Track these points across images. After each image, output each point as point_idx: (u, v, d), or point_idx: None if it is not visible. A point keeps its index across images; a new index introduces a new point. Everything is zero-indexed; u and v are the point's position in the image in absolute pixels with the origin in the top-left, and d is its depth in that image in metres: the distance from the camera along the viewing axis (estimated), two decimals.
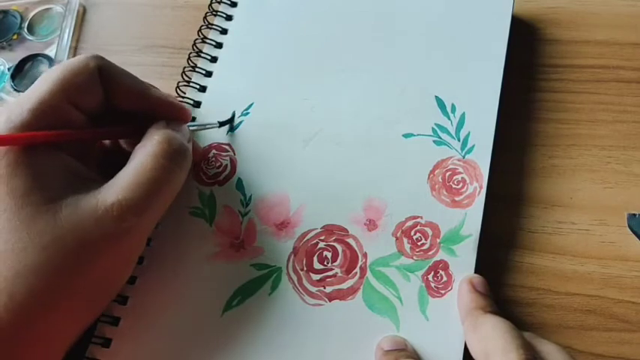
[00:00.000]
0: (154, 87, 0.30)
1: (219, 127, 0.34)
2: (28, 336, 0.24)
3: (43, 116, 0.25)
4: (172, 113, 0.29)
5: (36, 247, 0.24)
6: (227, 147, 0.34)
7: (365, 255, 0.30)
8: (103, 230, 0.25)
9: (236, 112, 0.35)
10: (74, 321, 0.26)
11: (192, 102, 0.35)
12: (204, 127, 0.33)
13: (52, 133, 0.25)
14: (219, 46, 0.37)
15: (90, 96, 0.27)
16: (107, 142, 0.31)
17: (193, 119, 0.35)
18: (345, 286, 0.30)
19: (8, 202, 0.24)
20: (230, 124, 0.34)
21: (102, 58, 0.28)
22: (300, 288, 0.30)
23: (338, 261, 0.30)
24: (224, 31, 0.38)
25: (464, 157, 0.32)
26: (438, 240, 0.30)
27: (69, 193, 0.25)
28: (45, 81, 0.26)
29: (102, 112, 0.28)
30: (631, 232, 0.30)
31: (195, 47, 0.37)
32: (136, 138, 0.28)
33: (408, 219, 0.31)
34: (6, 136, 0.24)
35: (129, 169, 0.26)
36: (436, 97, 0.33)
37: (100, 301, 0.27)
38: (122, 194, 0.25)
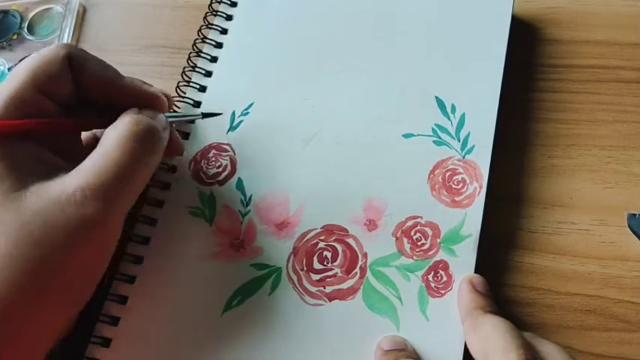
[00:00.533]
0: (130, 77, 0.29)
1: (203, 118, 0.33)
2: (6, 329, 0.23)
3: (15, 108, 0.25)
4: (146, 102, 0.28)
5: (6, 236, 0.23)
6: (227, 147, 0.34)
7: (365, 255, 0.30)
8: (67, 218, 0.24)
9: (236, 112, 0.35)
10: (53, 313, 0.25)
11: (192, 102, 0.35)
12: (185, 117, 0.32)
13: (20, 122, 0.25)
14: (219, 46, 0.37)
15: (60, 84, 0.27)
16: (88, 137, 0.30)
17: (192, 121, 0.35)
18: (345, 286, 0.30)
19: None
20: (215, 116, 0.34)
21: (73, 47, 0.27)
22: (300, 288, 0.30)
23: (338, 261, 0.30)
24: (224, 31, 0.38)
25: (464, 157, 0.32)
26: (438, 240, 0.30)
27: (37, 181, 0.24)
28: (16, 73, 0.26)
29: (75, 101, 0.28)
30: (631, 232, 0.30)
31: (195, 47, 0.37)
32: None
33: (408, 219, 0.31)
34: None
35: (94, 154, 0.25)
36: (436, 97, 0.33)
37: (78, 291, 0.26)
38: (85, 179, 0.24)
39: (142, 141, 0.26)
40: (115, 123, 0.27)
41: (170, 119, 0.30)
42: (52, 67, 0.26)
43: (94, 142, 0.29)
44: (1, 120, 0.25)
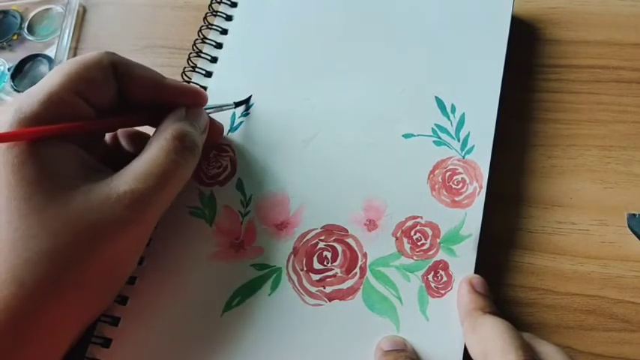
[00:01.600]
0: (166, 77, 0.30)
1: (235, 107, 0.34)
2: (37, 325, 0.24)
3: (53, 108, 0.26)
4: (189, 100, 0.30)
5: (46, 234, 0.24)
6: (227, 147, 0.34)
7: (365, 255, 0.30)
8: (114, 217, 0.25)
9: (236, 113, 0.35)
10: (81, 311, 0.26)
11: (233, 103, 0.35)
12: (220, 108, 0.33)
13: (58, 127, 0.26)
14: (219, 46, 0.37)
15: (103, 91, 0.28)
16: (107, 140, 0.31)
17: None
18: (345, 286, 0.30)
19: (19, 190, 0.24)
20: (246, 104, 0.35)
21: (115, 54, 0.28)
22: (300, 288, 0.30)
23: (338, 261, 0.30)
24: (224, 32, 0.38)
25: (464, 157, 0.32)
26: (438, 240, 0.30)
27: (80, 181, 0.25)
28: (57, 74, 0.26)
29: (113, 107, 0.29)
30: (631, 232, 0.30)
31: (195, 47, 0.37)
32: (152, 125, 0.29)
33: (408, 219, 0.31)
34: (14, 132, 0.24)
35: (142, 160, 0.26)
36: (436, 97, 0.33)
37: (106, 292, 0.28)
38: (134, 184, 0.25)
39: (185, 154, 0.27)
40: (159, 134, 0.28)
41: (209, 111, 0.31)
42: (96, 74, 0.27)
43: (115, 140, 0.31)
44: (39, 119, 0.25)
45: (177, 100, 0.29)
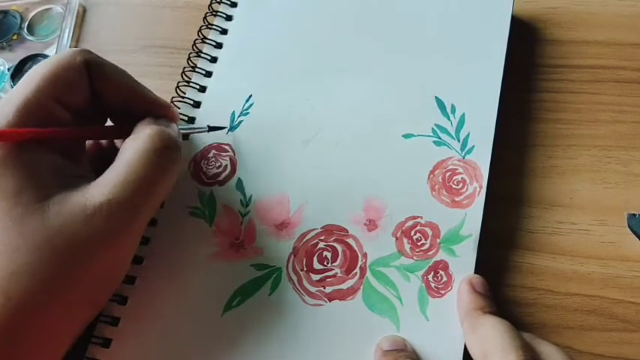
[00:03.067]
0: (142, 85, 0.29)
1: (209, 131, 0.33)
2: (26, 336, 0.24)
3: (29, 115, 0.25)
4: (161, 111, 0.29)
5: (28, 247, 0.23)
6: (227, 147, 0.34)
7: (365, 255, 0.30)
8: (93, 230, 0.24)
9: (236, 112, 0.35)
10: (72, 320, 0.26)
11: (192, 102, 0.35)
12: (192, 130, 0.33)
13: (38, 131, 0.25)
14: (219, 46, 0.37)
15: (77, 92, 0.27)
16: (104, 142, 0.31)
17: (192, 120, 0.35)
18: (345, 286, 0.30)
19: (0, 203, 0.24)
20: (220, 129, 0.34)
21: (89, 52, 0.27)
22: (300, 288, 0.30)
23: (338, 261, 0.30)
24: (224, 32, 0.38)
25: (464, 157, 0.32)
26: (438, 240, 0.30)
27: (58, 192, 0.24)
28: (31, 78, 0.26)
29: (88, 108, 0.28)
30: (631, 232, 0.30)
31: (195, 47, 0.37)
32: (124, 137, 0.28)
33: (408, 219, 0.31)
34: None
35: (118, 166, 0.25)
36: (436, 97, 0.33)
37: (96, 300, 0.27)
38: (112, 193, 0.24)
39: (165, 154, 0.26)
40: (135, 135, 0.27)
41: (181, 130, 0.30)
42: (70, 75, 0.26)
43: (95, 145, 0.30)
44: (15, 126, 0.24)
45: (149, 109, 0.28)
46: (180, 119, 0.33)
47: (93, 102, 0.28)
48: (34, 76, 0.26)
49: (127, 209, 0.25)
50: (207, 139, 0.34)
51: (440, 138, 0.32)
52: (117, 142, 0.31)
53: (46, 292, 0.24)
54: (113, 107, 0.28)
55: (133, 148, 0.26)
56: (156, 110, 0.29)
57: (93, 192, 0.25)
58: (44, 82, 0.25)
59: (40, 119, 0.25)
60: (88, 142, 0.30)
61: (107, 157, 0.28)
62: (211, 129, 0.33)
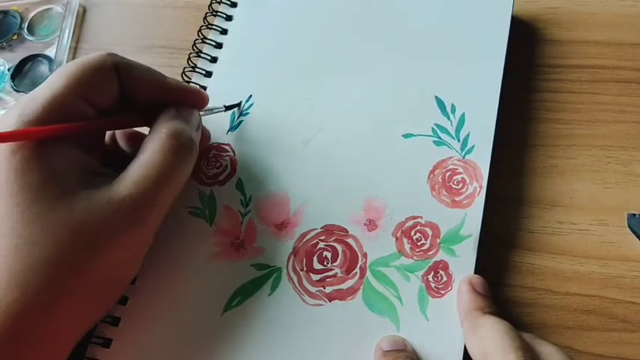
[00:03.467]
0: (167, 77, 0.30)
1: (225, 110, 0.34)
2: (39, 330, 0.24)
3: (57, 112, 0.25)
4: (191, 100, 0.30)
5: (49, 241, 0.24)
6: (227, 147, 0.34)
7: (365, 255, 0.30)
8: (116, 222, 0.25)
9: (236, 112, 0.35)
10: (83, 315, 0.26)
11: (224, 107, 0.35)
12: (211, 111, 0.33)
13: (64, 126, 0.25)
14: (219, 46, 0.37)
15: (106, 94, 0.28)
16: (107, 141, 0.31)
17: None
18: (345, 286, 0.30)
19: (22, 196, 0.24)
20: (238, 107, 0.34)
21: (117, 56, 0.28)
22: (300, 288, 0.30)
23: (338, 261, 0.30)
24: (224, 32, 0.38)
25: (464, 157, 0.32)
26: (438, 240, 0.30)
27: (82, 187, 0.25)
28: (60, 76, 0.26)
29: (115, 108, 0.28)
30: (631, 232, 0.30)
31: (195, 47, 0.37)
32: (147, 125, 0.29)
33: (408, 219, 0.31)
34: (19, 131, 0.24)
35: (139, 163, 0.26)
36: (436, 97, 0.33)
37: (108, 297, 0.28)
38: (134, 188, 0.25)
39: (180, 154, 0.27)
40: (155, 132, 0.27)
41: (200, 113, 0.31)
42: (100, 77, 0.27)
43: (113, 141, 0.31)
44: (43, 123, 0.25)
45: (179, 101, 0.29)
46: None
47: (120, 103, 0.28)
48: (63, 74, 0.26)
49: (149, 204, 0.26)
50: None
51: (440, 138, 0.32)
52: (119, 139, 0.31)
53: (62, 286, 0.24)
54: (143, 105, 0.29)
55: (152, 147, 0.27)
56: (186, 100, 0.29)
57: (117, 187, 0.26)
58: (73, 80, 0.26)
59: (67, 117, 0.26)
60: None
61: (112, 158, 0.29)
62: (228, 108, 0.34)
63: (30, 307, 0.23)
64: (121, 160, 0.27)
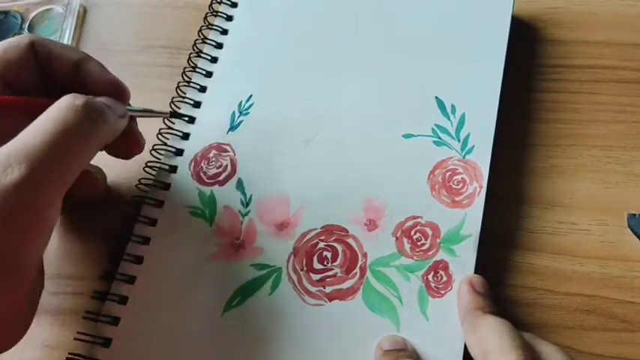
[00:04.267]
0: (95, 60, 0.28)
1: (170, 117, 0.33)
2: None
3: None
4: (109, 89, 0.28)
5: None
6: (227, 147, 0.34)
7: (365, 255, 0.30)
8: None
9: (236, 112, 0.35)
10: None
11: (192, 102, 0.35)
12: (150, 113, 0.31)
13: None
14: (219, 46, 0.37)
15: (22, 72, 0.27)
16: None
17: (192, 120, 0.35)
18: (345, 286, 0.30)
19: None
20: (181, 117, 0.34)
21: (37, 36, 0.27)
22: (300, 288, 0.30)
23: (338, 261, 0.30)
24: (224, 32, 0.38)
25: (464, 157, 0.32)
26: (438, 240, 0.30)
27: None
28: None
29: (38, 90, 0.27)
30: (631, 232, 0.30)
31: (195, 47, 0.37)
32: None
33: (408, 219, 0.31)
34: None
35: (29, 126, 0.24)
36: (436, 97, 0.33)
37: (14, 272, 0.23)
38: (13, 146, 0.22)
39: (77, 112, 0.24)
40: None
41: (131, 112, 0.29)
42: (14, 55, 0.26)
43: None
44: None
45: (98, 87, 0.28)
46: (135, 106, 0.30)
47: (43, 83, 0.28)
48: None
49: (25, 161, 0.22)
50: (207, 139, 0.34)
51: (440, 138, 0.32)
52: None
53: None
54: (63, 84, 0.28)
55: (49, 107, 0.24)
56: (107, 88, 0.28)
57: None
58: None
59: None
60: None
61: None
62: (173, 115, 0.33)
63: None
64: None
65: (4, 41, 0.27)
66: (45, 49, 0.27)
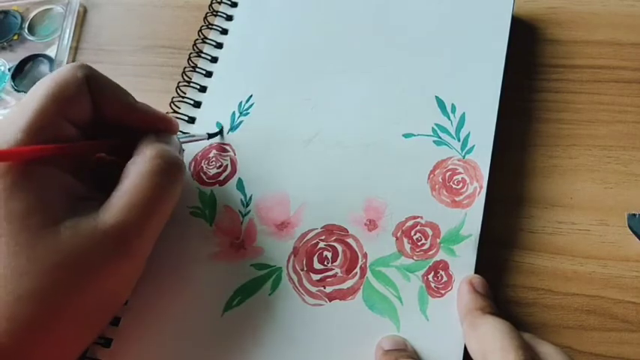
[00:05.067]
0: (141, 102, 0.29)
1: (208, 139, 0.33)
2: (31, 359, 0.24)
3: (38, 134, 0.25)
4: (160, 125, 0.29)
5: (37, 272, 0.23)
6: (227, 147, 0.34)
7: (365, 255, 0.30)
8: (103, 253, 0.24)
9: (236, 112, 0.35)
10: (74, 343, 0.26)
11: (192, 102, 0.35)
12: (192, 138, 0.33)
13: (50, 147, 0.25)
14: (219, 46, 0.37)
15: (80, 107, 0.27)
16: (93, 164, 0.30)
17: (192, 120, 0.35)
18: (345, 286, 0.30)
19: (6, 226, 0.23)
20: (219, 135, 0.34)
21: (89, 67, 0.27)
22: (300, 288, 0.30)
23: (338, 261, 0.30)
24: (224, 32, 0.38)
25: (464, 157, 0.32)
26: (438, 240, 0.30)
27: (68, 214, 0.24)
28: (36, 96, 0.25)
29: (92, 123, 0.28)
30: (631, 232, 0.30)
31: (195, 47, 0.37)
32: (127, 151, 0.28)
33: (408, 219, 0.31)
34: (4, 151, 0.23)
35: (124, 189, 0.25)
36: (436, 97, 0.33)
37: (99, 323, 0.27)
38: (120, 216, 0.25)
39: (167, 174, 0.26)
40: (137, 157, 0.27)
41: (181, 140, 0.31)
42: (73, 91, 0.26)
43: (99, 161, 0.30)
44: (22, 145, 0.24)
45: (148, 123, 0.28)
46: (180, 131, 0.33)
47: (96, 118, 0.28)
48: (38, 93, 0.25)
49: (136, 233, 0.25)
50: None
51: (440, 138, 0.32)
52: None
53: (51, 316, 0.24)
54: (112, 122, 0.28)
55: (137, 170, 0.26)
56: (155, 125, 0.29)
57: (102, 215, 0.25)
58: (49, 99, 0.25)
59: (49, 138, 0.25)
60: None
61: (108, 172, 0.28)
62: (210, 136, 0.33)
63: (19, 338, 0.23)
64: (109, 184, 0.26)
65: (60, 75, 0.26)
66: (98, 85, 0.27)
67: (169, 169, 0.27)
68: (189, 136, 0.33)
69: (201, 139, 0.33)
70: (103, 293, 0.25)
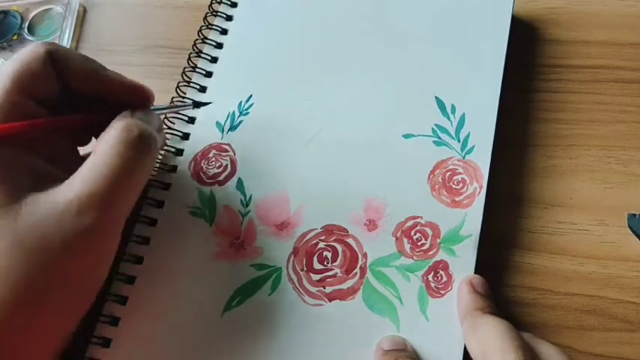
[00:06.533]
0: (113, 71, 0.28)
1: (193, 107, 0.32)
2: (7, 339, 0.23)
3: (3, 115, 0.24)
4: (131, 95, 0.28)
5: (0, 254, 0.23)
6: (227, 147, 0.34)
7: (365, 255, 0.30)
8: (63, 228, 0.23)
9: (236, 112, 0.35)
10: (51, 325, 0.25)
11: (192, 102, 0.35)
12: (176, 107, 0.31)
13: (7, 126, 0.24)
14: (219, 46, 0.37)
15: (45, 83, 0.26)
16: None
17: (192, 121, 0.35)
18: (345, 286, 0.30)
19: None
20: (205, 104, 0.33)
21: (52, 43, 0.27)
22: (300, 288, 0.30)
23: (338, 261, 0.30)
24: (224, 32, 0.38)
25: (464, 157, 0.32)
26: (438, 240, 0.30)
27: (27, 191, 0.24)
28: None
29: (60, 101, 0.27)
30: (631, 232, 0.30)
31: (195, 47, 0.37)
32: (99, 127, 0.27)
33: (408, 219, 0.31)
34: None
35: (88, 162, 0.25)
36: (436, 97, 0.33)
37: (77, 301, 0.26)
38: (81, 189, 0.24)
39: (136, 147, 0.25)
40: (107, 130, 0.26)
41: (161, 112, 0.30)
42: (35, 67, 0.26)
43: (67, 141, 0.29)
44: None
45: (119, 95, 0.28)
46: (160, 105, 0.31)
47: (63, 94, 0.27)
48: (1, 74, 0.25)
49: (97, 205, 0.24)
50: (207, 139, 0.34)
51: (440, 138, 0.32)
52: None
53: (22, 294, 0.23)
54: (83, 95, 0.28)
55: (104, 142, 0.25)
56: (126, 95, 0.28)
57: (64, 189, 0.24)
58: (11, 79, 0.25)
59: (13, 117, 0.25)
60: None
61: (70, 153, 0.28)
62: (196, 104, 0.33)
63: None
64: (75, 163, 0.26)
65: (20, 53, 0.26)
66: (62, 58, 0.27)
67: (138, 141, 0.25)
68: (171, 107, 0.31)
69: (186, 107, 0.32)
70: (73, 273, 0.24)
